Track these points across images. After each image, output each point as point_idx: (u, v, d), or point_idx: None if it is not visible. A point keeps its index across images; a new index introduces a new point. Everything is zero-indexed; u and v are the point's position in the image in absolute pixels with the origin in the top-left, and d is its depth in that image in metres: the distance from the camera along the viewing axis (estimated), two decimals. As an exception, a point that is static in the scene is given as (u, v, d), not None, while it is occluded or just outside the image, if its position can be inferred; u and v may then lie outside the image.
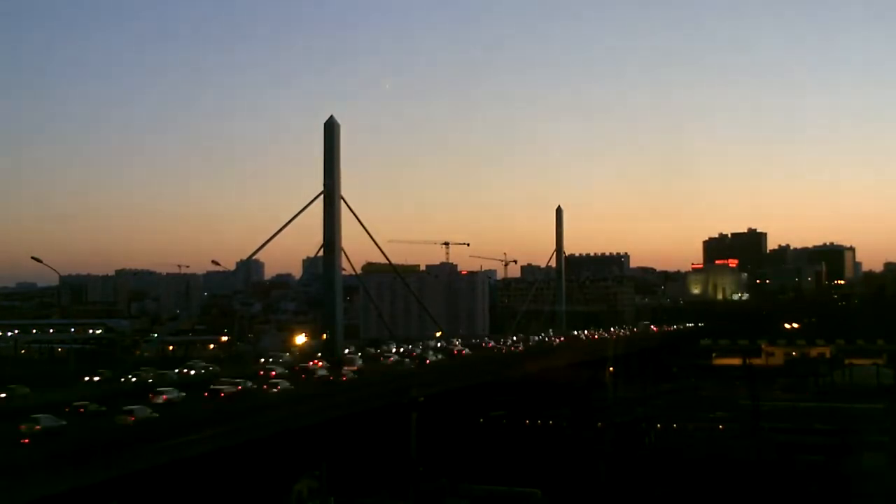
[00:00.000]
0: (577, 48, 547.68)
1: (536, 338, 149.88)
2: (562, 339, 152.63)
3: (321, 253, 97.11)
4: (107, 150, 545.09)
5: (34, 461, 41.52)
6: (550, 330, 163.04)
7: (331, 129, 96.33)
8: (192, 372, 77.29)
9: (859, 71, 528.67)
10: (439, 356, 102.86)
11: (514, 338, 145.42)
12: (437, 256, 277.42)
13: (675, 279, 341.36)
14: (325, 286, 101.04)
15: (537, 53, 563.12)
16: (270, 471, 64.25)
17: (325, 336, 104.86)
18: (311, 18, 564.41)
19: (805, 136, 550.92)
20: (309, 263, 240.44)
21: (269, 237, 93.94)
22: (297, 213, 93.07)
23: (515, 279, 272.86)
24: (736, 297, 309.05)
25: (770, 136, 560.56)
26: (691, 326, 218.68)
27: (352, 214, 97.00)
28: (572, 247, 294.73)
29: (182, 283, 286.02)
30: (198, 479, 55.72)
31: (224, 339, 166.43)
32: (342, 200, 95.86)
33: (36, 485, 40.84)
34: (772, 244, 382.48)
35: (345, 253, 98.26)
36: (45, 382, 72.38)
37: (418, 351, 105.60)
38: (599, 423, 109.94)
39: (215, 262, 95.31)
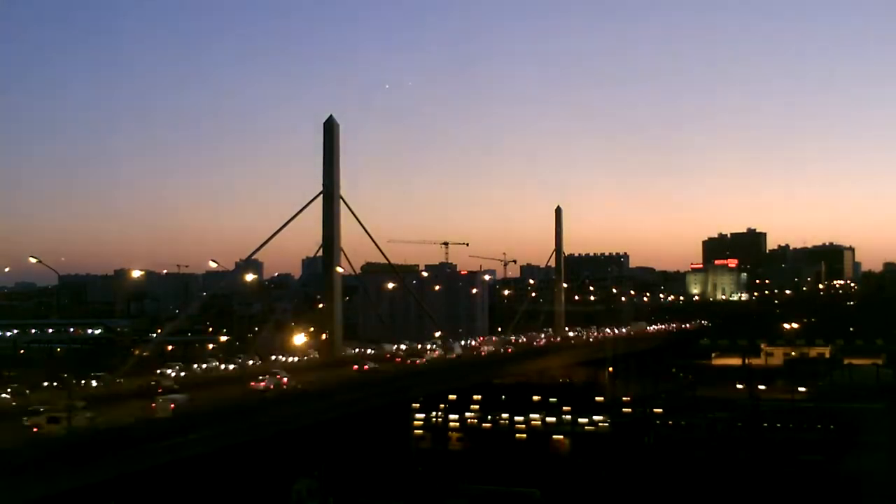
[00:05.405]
0: (578, 48, 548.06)
1: (537, 337, 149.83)
2: (560, 339, 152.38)
3: (320, 253, 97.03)
4: (106, 149, 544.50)
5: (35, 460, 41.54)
6: (549, 329, 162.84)
7: (331, 129, 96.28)
8: None
9: (859, 70, 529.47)
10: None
11: (513, 338, 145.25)
12: (436, 256, 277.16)
13: (674, 279, 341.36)
14: (324, 286, 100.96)
15: (537, 53, 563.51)
16: (270, 471, 64.26)
17: (324, 336, 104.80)
18: (311, 18, 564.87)
19: (805, 136, 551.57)
20: (308, 263, 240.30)
21: (268, 237, 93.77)
22: (296, 213, 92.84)
23: (515, 279, 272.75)
24: (735, 297, 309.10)
25: (770, 136, 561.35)
26: (692, 326, 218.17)
27: (351, 214, 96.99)
28: (572, 247, 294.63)
29: (181, 283, 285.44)
30: (197, 480, 55.72)
31: (223, 338, 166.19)
32: (342, 200, 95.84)
33: (36, 485, 40.83)
34: (771, 244, 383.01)
35: (344, 253, 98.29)
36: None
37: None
38: (600, 423, 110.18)
39: (215, 262, 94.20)
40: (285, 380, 68.84)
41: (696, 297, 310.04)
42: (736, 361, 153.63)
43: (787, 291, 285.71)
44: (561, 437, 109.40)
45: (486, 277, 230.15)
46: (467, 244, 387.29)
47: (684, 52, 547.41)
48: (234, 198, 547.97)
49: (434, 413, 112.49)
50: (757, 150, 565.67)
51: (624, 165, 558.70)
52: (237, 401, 61.36)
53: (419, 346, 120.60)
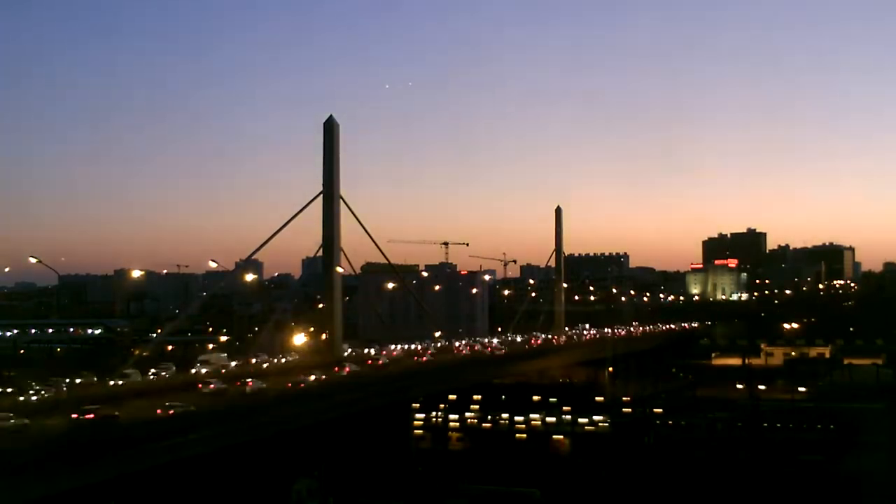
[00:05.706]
0: (578, 47, 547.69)
1: (540, 336, 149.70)
2: (560, 340, 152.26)
3: (320, 253, 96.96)
4: (106, 149, 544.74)
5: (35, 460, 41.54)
6: (549, 332, 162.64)
7: (330, 129, 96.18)
8: None
9: (859, 70, 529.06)
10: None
11: (517, 337, 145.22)
12: (436, 256, 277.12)
13: (674, 279, 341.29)
14: (324, 286, 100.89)
15: (538, 53, 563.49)
16: (270, 471, 64.29)
17: (324, 336, 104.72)
18: (311, 18, 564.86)
19: (805, 135, 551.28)
20: (308, 263, 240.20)
21: (268, 237, 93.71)
22: (296, 213, 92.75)
23: (515, 279, 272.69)
24: (735, 297, 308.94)
25: (770, 135, 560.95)
26: (693, 326, 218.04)
27: (351, 214, 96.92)
28: (572, 247, 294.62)
29: (181, 283, 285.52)
30: (197, 480, 55.75)
31: (223, 338, 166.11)
32: (342, 200, 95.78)
33: (36, 485, 40.83)
34: (771, 244, 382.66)
35: (344, 253, 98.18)
36: None
37: None
38: (600, 423, 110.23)
39: (215, 262, 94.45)
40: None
41: (696, 297, 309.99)
42: (736, 361, 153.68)
43: (787, 291, 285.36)
44: (561, 437, 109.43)
45: (486, 277, 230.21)
46: (467, 244, 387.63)
47: (685, 53, 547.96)
48: (234, 198, 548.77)
49: (434, 413, 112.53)
50: (757, 150, 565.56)
51: (624, 165, 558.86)
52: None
53: (420, 346, 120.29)
